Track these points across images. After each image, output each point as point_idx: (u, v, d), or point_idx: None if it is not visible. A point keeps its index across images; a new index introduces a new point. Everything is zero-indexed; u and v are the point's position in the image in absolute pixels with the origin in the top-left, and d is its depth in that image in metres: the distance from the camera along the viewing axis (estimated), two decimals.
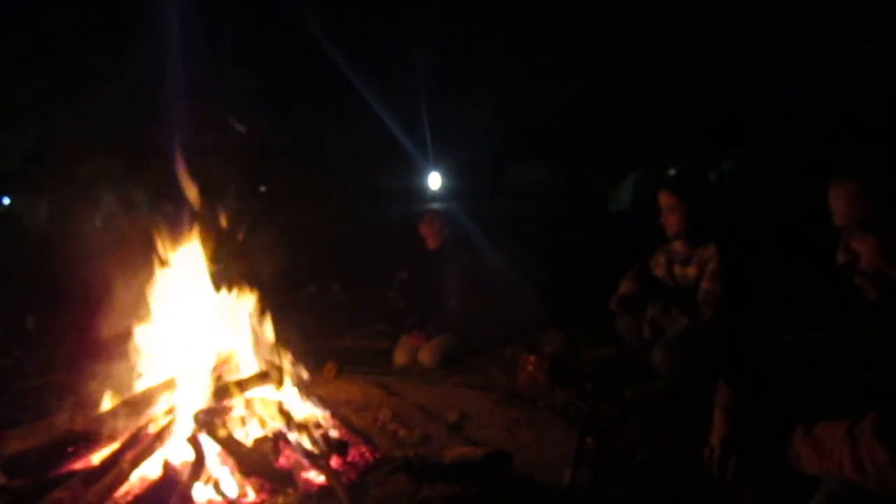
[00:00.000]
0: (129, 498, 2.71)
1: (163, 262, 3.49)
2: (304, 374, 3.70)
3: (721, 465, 1.73)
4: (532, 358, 4.11)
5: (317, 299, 7.69)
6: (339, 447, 3.05)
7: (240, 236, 4.02)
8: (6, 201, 17.51)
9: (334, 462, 2.97)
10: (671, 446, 3.14)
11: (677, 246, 3.84)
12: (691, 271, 3.70)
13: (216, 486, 2.79)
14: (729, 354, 2.07)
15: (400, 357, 5.06)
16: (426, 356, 4.93)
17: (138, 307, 3.54)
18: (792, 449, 1.60)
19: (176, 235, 3.55)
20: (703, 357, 3.45)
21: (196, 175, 3.77)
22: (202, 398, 3.10)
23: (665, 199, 3.74)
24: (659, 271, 3.89)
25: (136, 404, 3.13)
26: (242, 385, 3.27)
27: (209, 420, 2.97)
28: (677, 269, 3.80)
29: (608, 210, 12.59)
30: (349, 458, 3.07)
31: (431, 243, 5.48)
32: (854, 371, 1.91)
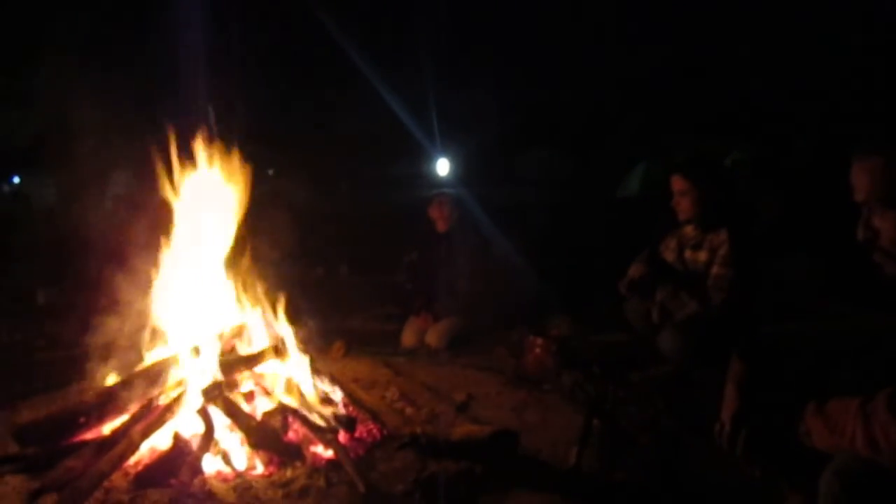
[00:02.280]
0: (140, 468, 2.74)
1: (173, 236, 3.50)
2: (313, 352, 3.70)
3: (731, 441, 1.74)
4: (539, 340, 4.12)
5: (325, 281, 7.72)
6: (347, 423, 3.07)
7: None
8: (16, 180, 17.63)
9: (342, 437, 2.99)
10: (677, 429, 3.16)
11: (688, 230, 3.82)
12: (702, 256, 3.69)
13: (225, 458, 2.82)
14: (741, 332, 2.07)
15: (407, 338, 5.08)
16: (434, 338, 4.95)
17: (148, 282, 3.56)
18: (803, 425, 1.61)
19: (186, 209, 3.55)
20: (711, 342, 3.45)
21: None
22: (212, 372, 3.11)
23: (677, 183, 3.72)
24: (669, 255, 3.88)
25: (147, 377, 3.15)
26: (252, 359, 3.29)
27: (219, 393, 2.99)
28: (688, 254, 3.79)
29: (617, 198, 12.54)
30: (357, 434, 3.10)
31: (440, 226, 5.47)
32: (862, 357, 1.91)
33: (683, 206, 3.73)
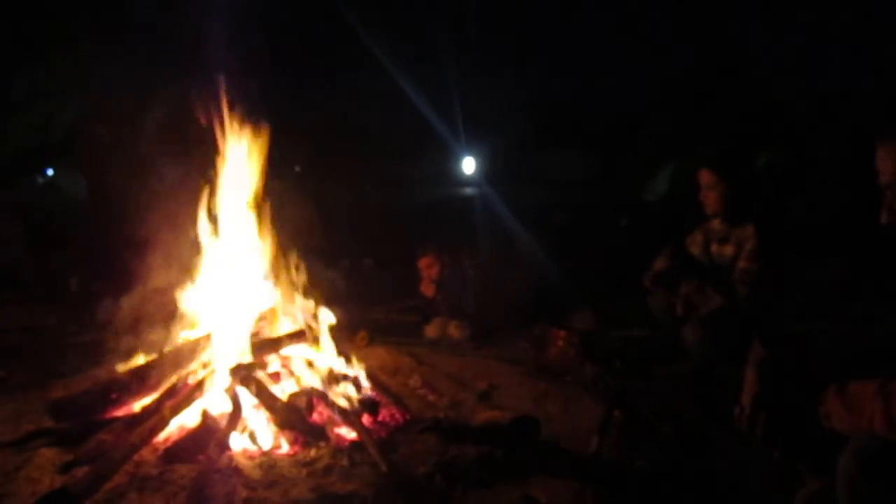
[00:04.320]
0: (169, 443, 2.81)
1: (205, 221, 3.58)
2: (339, 337, 3.76)
3: (750, 423, 1.76)
4: (562, 333, 4.14)
5: (349, 273, 7.79)
6: (370, 406, 3.12)
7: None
8: (49, 172, 17.98)
9: (365, 420, 3.04)
10: (698, 421, 3.17)
11: (715, 224, 3.82)
12: (728, 250, 3.68)
13: (252, 437, 2.88)
14: (764, 321, 2.09)
15: (431, 330, 5.13)
16: (456, 330, 4.99)
17: (180, 265, 3.66)
18: (822, 407, 1.62)
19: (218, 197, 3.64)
20: (735, 336, 3.44)
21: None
22: (240, 353, 3.19)
23: (705, 177, 3.73)
24: (695, 249, 3.88)
25: (177, 357, 3.24)
26: (280, 342, 3.36)
27: (246, 374, 3.06)
28: (714, 248, 3.79)
29: (643, 200, 12.46)
30: (380, 418, 3.15)
31: (430, 284, 5.38)
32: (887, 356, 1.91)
33: (711, 199, 3.73)
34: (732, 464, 2.69)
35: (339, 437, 2.92)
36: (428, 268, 5.38)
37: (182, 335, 3.45)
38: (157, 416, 2.86)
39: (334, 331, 3.82)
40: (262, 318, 3.46)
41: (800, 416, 1.68)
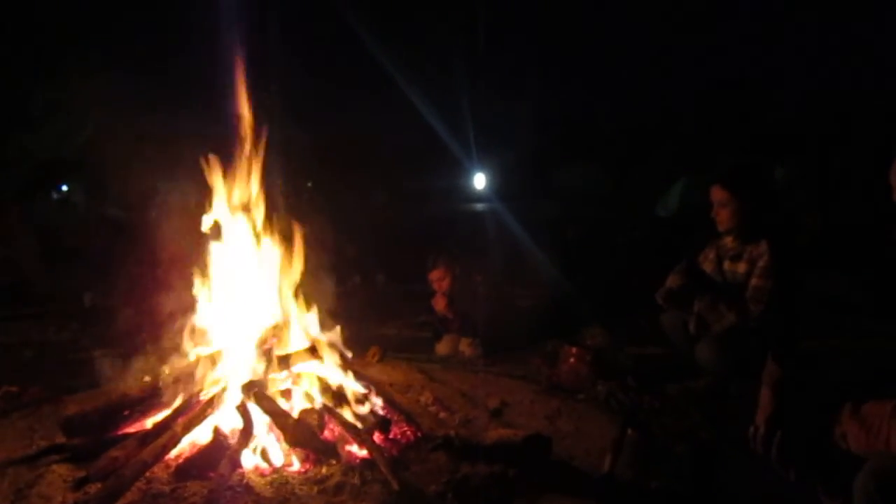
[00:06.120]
0: (181, 460, 2.81)
1: (215, 239, 3.60)
2: (350, 354, 3.76)
3: (765, 443, 1.74)
4: (574, 350, 4.12)
5: (361, 289, 7.81)
6: (382, 424, 3.11)
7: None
8: (64, 188, 18.15)
9: (377, 437, 3.03)
10: (713, 439, 3.14)
11: (728, 241, 3.80)
12: (741, 267, 3.66)
13: (263, 454, 2.87)
14: (778, 339, 2.07)
15: (442, 347, 5.12)
16: (468, 347, 4.97)
17: (190, 284, 3.67)
18: (839, 428, 1.60)
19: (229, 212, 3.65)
20: (749, 354, 3.41)
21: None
22: (251, 369, 3.19)
23: (717, 194, 3.71)
24: (708, 267, 3.86)
25: (189, 373, 3.24)
26: (291, 359, 3.36)
27: (258, 391, 3.06)
28: (727, 265, 3.77)
29: (655, 215, 12.43)
30: (391, 435, 3.14)
31: (442, 297, 5.31)
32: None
33: (723, 216, 3.71)
34: (746, 484, 2.65)
35: (350, 454, 2.91)
36: (439, 280, 5.31)
37: (194, 351, 3.45)
38: (169, 432, 2.86)
39: (345, 347, 3.82)
40: (273, 335, 3.46)
41: (815, 437, 1.66)
